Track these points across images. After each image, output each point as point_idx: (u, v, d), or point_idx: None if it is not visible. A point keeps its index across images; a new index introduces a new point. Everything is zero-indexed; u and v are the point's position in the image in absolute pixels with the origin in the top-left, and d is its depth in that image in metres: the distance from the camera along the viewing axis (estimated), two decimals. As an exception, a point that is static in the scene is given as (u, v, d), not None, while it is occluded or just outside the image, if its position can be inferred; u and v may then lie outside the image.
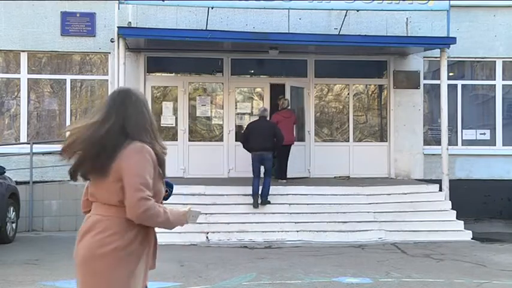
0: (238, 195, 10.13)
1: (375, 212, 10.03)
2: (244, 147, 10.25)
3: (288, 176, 11.55)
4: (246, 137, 10.22)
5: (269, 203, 9.94)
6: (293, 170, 11.77)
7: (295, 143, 11.89)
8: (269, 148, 10.02)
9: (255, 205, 9.85)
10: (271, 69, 12.70)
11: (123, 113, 2.79)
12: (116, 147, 2.72)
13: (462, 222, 10.05)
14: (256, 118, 10.60)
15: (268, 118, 10.58)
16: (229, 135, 12.20)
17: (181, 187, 10.16)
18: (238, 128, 12.30)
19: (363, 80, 12.84)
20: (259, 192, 9.88)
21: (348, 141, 12.58)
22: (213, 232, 9.41)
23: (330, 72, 12.60)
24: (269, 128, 10.15)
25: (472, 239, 9.72)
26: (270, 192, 10.01)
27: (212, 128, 12.51)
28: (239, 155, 11.78)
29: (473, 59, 12.68)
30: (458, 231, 9.87)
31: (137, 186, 2.70)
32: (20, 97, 11.86)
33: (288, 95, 11.85)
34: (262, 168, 9.99)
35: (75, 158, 2.76)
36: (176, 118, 12.15)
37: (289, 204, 10.07)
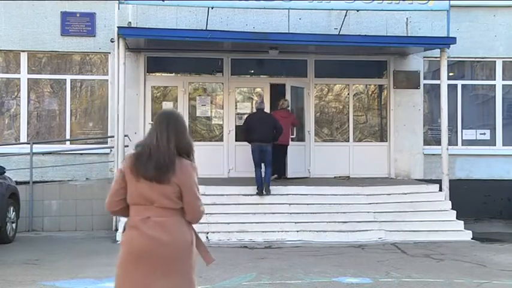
0: (238, 195, 10.12)
1: (375, 212, 10.03)
2: (245, 139, 10.55)
3: (288, 176, 11.56)
4: (246, 128, 10.47)
5: (270, 192, 10.13)
6: (293, 170, 11.78)
7: (296, 143, 11.94)
8: (268, 139, 10.24)
9: (260, 193, 10.05)
10: (271, 69, 12.71)
11: (178, 134, 3.37)
12: (174, 163, 3.29)
13: (462, 222, 10.05)
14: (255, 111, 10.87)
15: (265, 110, 10.83)
16: (229, 135, 12.21)
17: None
18: (239, 128, 12.31)
19: (363, 80, 12.84)
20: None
21: (348, 141, 12.59)
22: (213, 232, 9.41)
23: (330, 72, 12.60)
24: (268, 119, 10.39)
25: (472, 239, 9.72)
26: (270, 193, 10.08)
27: (212, 128, 12.52)
28: (239, 155, 11.82)
29: (473, 59, 12.68)
30: (458, 231, 9.87)
31: (197, 196, 3.36)
32: (20, 97, 11.86)
33: (288, 95, 11.86)
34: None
35: (139, 162, 3.31)
36: (176, 118, 12.16)
37: (289, 204, 10.07)
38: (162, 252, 3.26)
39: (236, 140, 12.21)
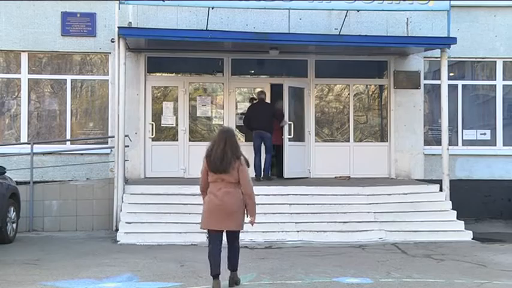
0: None
1: (375, 212, 10.04)
2: (247, 127, 11.62)
3: (287, 176, 11.56)
4: (247, 118, 11.54)
5: (271, 179, 11.22)
6: (293, 170, 11.79)
7: (296, 143, 11.96)
8: (268, 127, 11.33)
9: (258, 178, 10.88)
10: (272, 69, 12.71)
11: (231, 144, 6.00)
12: (232, 160, 5.93)
13: (462, 222, 10.05)
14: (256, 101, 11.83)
15: (266, 100, 11.81)
16: (229, 135, 12.22)
17: (182, 187, 10.31)
18: (239, 128, 12.32)
19: (363, 80, 12.84)
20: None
21: (349, 141, 12.60)
22: (214, 232, 9.42)
23: (330, 73, 12.59)
24: (268, 108, 11.56)
25: (472, 239, 9.72)
26: (270, 193, 10.15)
27: (212, 128, 12.48)
28: None
29: (474, 59, 12.67)
30: (459, 232, 9.88)
31: (247, 178, 6.01)
32: (20, 97, 11.86)
33: (286, 96, 11.84)
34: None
35: (217, 163, 5.95)
36: (176, 118, 12.18)
37: (290, 204, 10.08)
38: (227, 206, 5.96)
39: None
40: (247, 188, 5.99)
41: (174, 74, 12.61)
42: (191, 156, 11.99)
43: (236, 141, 6.09)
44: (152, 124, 11.99)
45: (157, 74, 12.41)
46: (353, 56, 12.24)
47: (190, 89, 12.36)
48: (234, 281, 6.26)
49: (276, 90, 12.21)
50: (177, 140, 12.12)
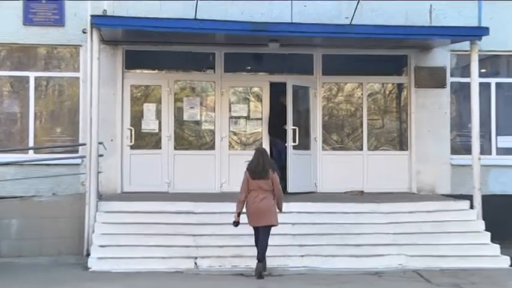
0: (233, 212, 9.87)
1: (393, 234, 10.04)
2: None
3: (291, 191, 11.53)
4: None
5: None
6: (297, 183, 11.76)
7: (300, 151, 11.99)
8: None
9: None
10: (271, 65, 12.70)
11: (267, 158, 9.07)
12: (268, 172, 8.85)
13: (498, 246, 10.02)
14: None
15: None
16: (222, 142, 12.24)
17: (166, 204, 10.31)
18: (233, 134, 12.28)
19: (379, 77, 12.87)
20: None
21: (362, 149, 12.63)
22: (203, 257, 9.40)
23: (340, 69, 12.63)
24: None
25: (510, 266, 9.71)
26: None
27: (202, 134, 12.51)
28: (233, 166, 11.83)
29: (510, 53, 12.70)
30: (494, 257, 9.86)
31: (280, 188, 8.96)
32: (-27, 98, 11.87)
33: (289, 96, 11.86)
34: None
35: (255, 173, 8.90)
36: (160, 122, 12.20)
37: (293, 224, 10.05)
38: (263, 208, 8.73)
39: (230, 148, 12.28)
40: (278, 191, 8.88)
41: (156, 71, 12.62)
42: (177, 167, 12.00)
43: (269, 157, 9.33)
44: (131, 129, 12.00)
45: (137, 71, 12.41)
46: (367, 49, 12.26)
47: (175, 89, 12.37)
48: (258, 271, 8.71)
49: (277, 89, 12.22)
50: (160, 148, 12.13)
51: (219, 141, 12.24)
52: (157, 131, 12.18)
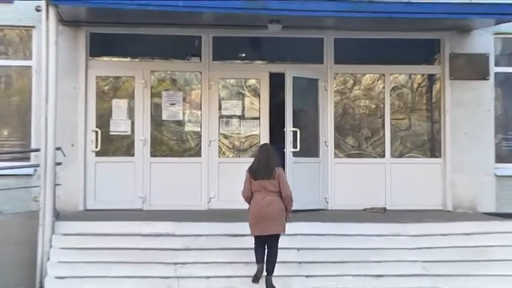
0: (223, 235, 10.13)
1: (424, 262, 10.03)
2: None
3: (295, 208, 11.39)
4: None
5: None
6: (303, 199, 11.66)
7: (306, 159, 12.06)
8: None
9: None
10: (271, 52, 12.79)
11: (273, 155, 9.38)
12: (273, 170, 9.19)
13: (554, 277, 10.02)
14: None
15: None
16: (209, 147, 12.34)
17: (140, 224, 10.31)
18: (224, 137, 12.24)
19: (404, 67, 12.96)
20: None
21: (384, 156, 12.74)
22: (185, 291, 9.47)
23: (356, 57, 12.74)
24: None
25: None
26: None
27: (185, 138, 12.60)
28: (224, 176, 11.99)
29: None
30: (549, 290, 9.88)
31: (288, 186, 9.25)
32: None
33: (289, 89, 11.82)
34: None
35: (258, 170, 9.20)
36: (132, 123, 12.29)
37: (298, 249, 10.04)
38: (270, 213, 8.98)
39: (220, 155, 12.36)
40: (286, 190, 9.17)
41: (129, 59, 12.68)
42: (154, 179, 12.11)
43: (276, 153, 9.47)
44: (97, 131, 12.08)
45: (105, 59, 12.52)
46: (389, 32, 12.33)
47: (152, 81, 12.46)
48: (269, 283, 9.07)
49: (278, 81, 12.21)
50: (133, 155, 12.24)
51: (206, 147, 12.33)
52: (129, 133, 12.27)
